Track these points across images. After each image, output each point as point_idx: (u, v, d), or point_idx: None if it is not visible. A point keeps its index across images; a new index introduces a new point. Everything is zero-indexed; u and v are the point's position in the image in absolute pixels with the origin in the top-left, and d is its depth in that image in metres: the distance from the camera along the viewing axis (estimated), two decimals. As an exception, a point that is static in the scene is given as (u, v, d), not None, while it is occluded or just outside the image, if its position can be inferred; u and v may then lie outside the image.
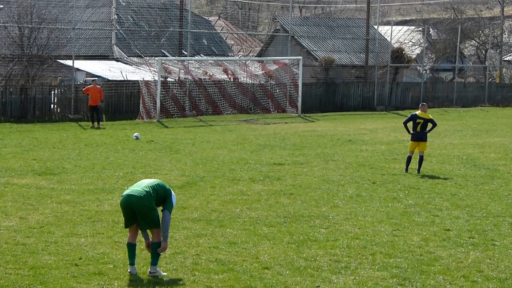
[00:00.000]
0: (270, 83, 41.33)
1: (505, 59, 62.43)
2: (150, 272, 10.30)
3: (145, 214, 10.17)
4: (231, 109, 39.23)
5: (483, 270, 11.04)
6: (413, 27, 64.58)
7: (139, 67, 39.66)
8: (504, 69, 60.42)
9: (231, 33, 58.51)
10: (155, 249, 10.30)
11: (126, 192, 10.31)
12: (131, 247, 10.38)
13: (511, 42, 67.46)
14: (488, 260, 11.55)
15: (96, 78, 35.16)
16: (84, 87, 33.54)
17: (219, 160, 21.75)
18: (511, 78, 60.93)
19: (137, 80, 36.52)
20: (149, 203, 10.16)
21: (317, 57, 48.45)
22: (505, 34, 65.72)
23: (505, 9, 67.86)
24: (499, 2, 66.88)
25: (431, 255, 11.77)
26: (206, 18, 58.59)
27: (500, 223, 14.21)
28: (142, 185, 10.32)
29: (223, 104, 39.05)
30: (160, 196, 10.32)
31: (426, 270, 10.91)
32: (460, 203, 16.09)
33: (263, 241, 12.36)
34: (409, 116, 20.88)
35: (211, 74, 40.02)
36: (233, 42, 57.95)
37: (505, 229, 13.74)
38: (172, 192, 10.50)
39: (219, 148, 24.89)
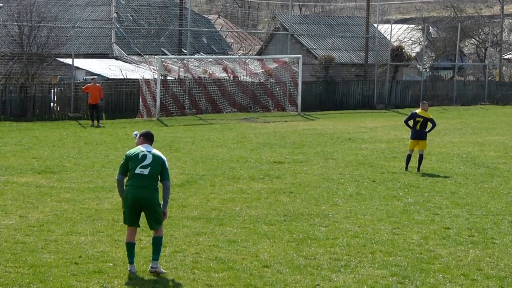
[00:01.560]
0: (270, 82, 41.33)
1: (504, 57, 62.42)
2: (151, 267, 10.30)
3: (153, 211, 10.31)
4: (230, 108, 39.22)
5: (483, 268, 11.04)
6: (413, 26, 64.55)
7: (139, 66, 39.66)
8: (503, 67, 60.46)
9: (230, 32, 58.51)
10: (158, 244, 10.35)
11: (131, 183, 10.29)
12: (130, 246, 10.38)
13: (511, 40, 67.44)
14: (487, 259, 11.55)
15: (95, 77, 35.13)
16: (83, 86, 33.53)
17: (218, 158, 21.75)
18: (511, 76, 60.95)
19: (137, 79, 36.52)
20: (156, 199, 10.34)
21: (317, 55, 48.44)
22: (504, 33, 65.73)
23: (504, 7, 67.89)
24: (499, 0, 66.87)
25: (431, 253, 11.77)
26: (206, 16, 58.62)
27: (500, 221, 14.22)
28: (145, 176, 10.28)
29: (223, 102, 39.04)
30: (160, 171, 10.41)
31: (425, 269, 10.91)
32: (460, 201, 16.09)
33: (263, 239, 12.36)
34: (410, 114, 20.91)
35: (210, 72, 40.01)
36: (232, 41, 57.94)
37: (505, 227, 13.74)
38: (163, 157, 10.51)
39: (219, 146, 24.89)
